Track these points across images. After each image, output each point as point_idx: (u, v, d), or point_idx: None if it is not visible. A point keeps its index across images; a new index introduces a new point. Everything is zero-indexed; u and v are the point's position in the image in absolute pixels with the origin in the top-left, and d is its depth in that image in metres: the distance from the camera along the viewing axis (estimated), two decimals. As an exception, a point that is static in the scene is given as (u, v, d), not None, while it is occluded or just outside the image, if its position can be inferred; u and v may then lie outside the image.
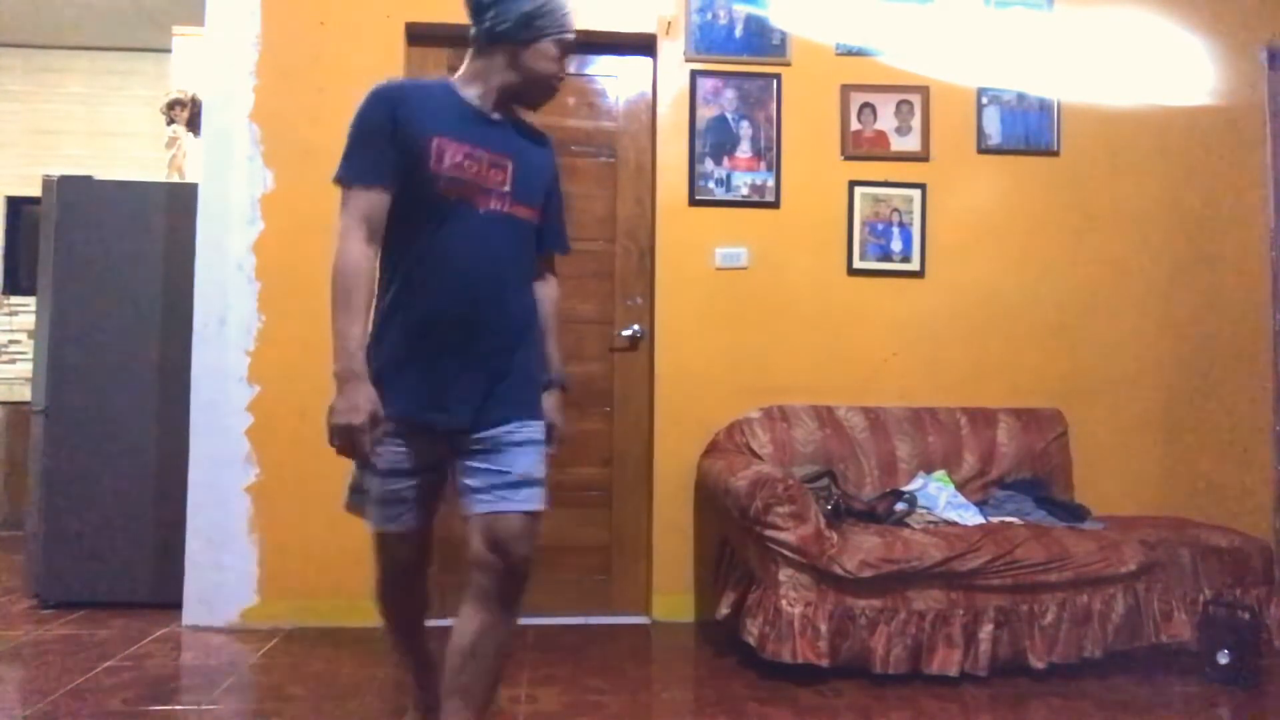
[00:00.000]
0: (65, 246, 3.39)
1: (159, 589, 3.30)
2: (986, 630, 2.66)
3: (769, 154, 3.44)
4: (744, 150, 3.43)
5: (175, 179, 4.00)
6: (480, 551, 1.70)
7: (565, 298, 2.08)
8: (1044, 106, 3.56)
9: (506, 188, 1.76)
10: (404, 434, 1.72)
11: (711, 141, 3.42)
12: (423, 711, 2.01)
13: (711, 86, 3.43)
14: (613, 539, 3.44)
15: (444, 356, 1.72)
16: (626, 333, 3.45)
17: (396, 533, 1.81)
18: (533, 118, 1.90)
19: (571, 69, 3.43)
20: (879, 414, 3.33)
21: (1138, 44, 3.62)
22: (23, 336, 5.34)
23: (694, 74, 3.42)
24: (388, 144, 1.68)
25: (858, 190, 3.46)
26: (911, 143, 3.50)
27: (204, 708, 2.40)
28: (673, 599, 3.34)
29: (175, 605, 3.17)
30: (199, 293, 3.22)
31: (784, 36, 3.46)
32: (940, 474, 3.20)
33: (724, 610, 2.95)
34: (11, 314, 5.42)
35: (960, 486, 3.18)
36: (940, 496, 3.05)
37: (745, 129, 3.43)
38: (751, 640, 2.66)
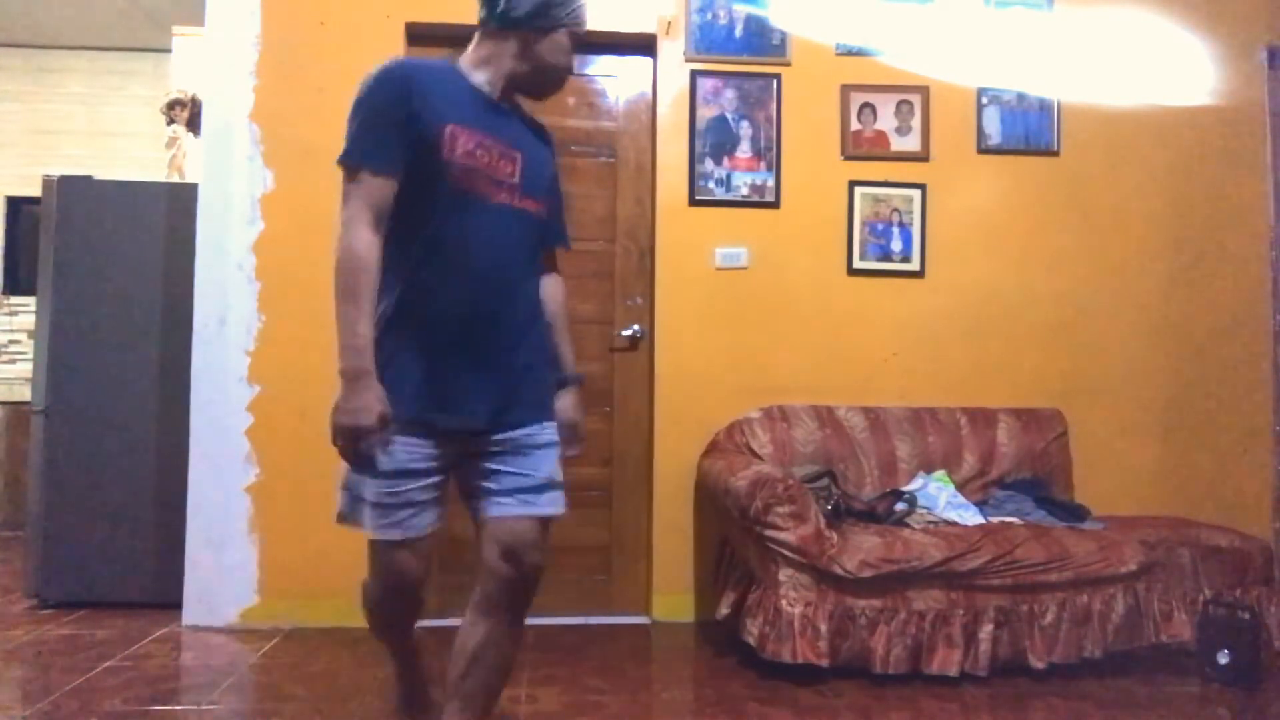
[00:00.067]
0: (65, 246, 3.38)
1: (159, 589, 3.30)
2: (986, 630, 2.66)
3: (769, 154, 3.44)
4: (744, 150, 3.43)
5: (175, 179, 4.00)
6: (494, 559, 1.66)
7: (565, 297, 2.05)
8: (1044, 106, 3.56)
9: (515, 180, 1.70)
10: (415, 433, 1.62)
11: (711, 141, 3.42)
12: (407, 710, 1.97)
13: (711, 86, 3.43)
14: (613, 539, 3.44)
15: (455, 355, 1.64)
16: (626, 333, 3.45)
17: (403, 540, 1.66)
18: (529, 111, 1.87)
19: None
20: (879, 414, 3.33)
21: (1138, 44, 3.62)
22: (23, 336, 5.34)
23: (694, 74, 3.42)
24: (399, 128, 1.58)
25: (858, 190, 3.47)
26: (911, 143, 3.50)
27: (204, 708, 2.40)
28: (673, 599, 3.34)
29: (175, 605, 3.17)
30: (199, 293, 3.23)
31: (784, 36, 3.46)
32: (940, 474, 3.20)
33: (724, 610, 2.95)
34: (11, 314, 5.42)
35: (960, 486, 3.18)
36: (940, 496, 3.05)
37: (745, 129, 3.43)
38: (751, 640, 2.66)
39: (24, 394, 4.65)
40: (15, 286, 5.39)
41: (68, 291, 3.38)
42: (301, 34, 3.28)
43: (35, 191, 3.69)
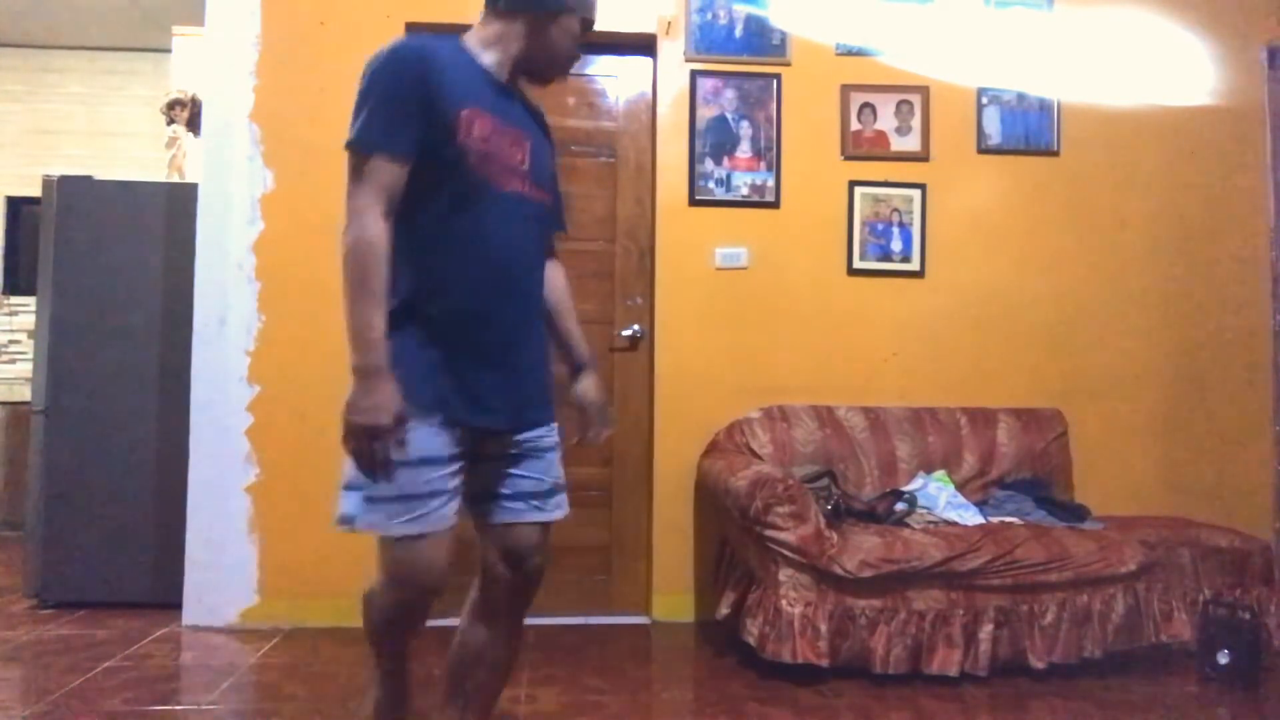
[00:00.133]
0: (65, 246, 3.39)
1: (159, 589, 3.30)
2: (986, 630, 2.66)
3: (769, 154, 3.44)
4: (744, 150, 3.43)
5: (175, 179, 4.00)
6: (498, 564, 1.64)
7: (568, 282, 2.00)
8: (1044, 106, 3.56)
9: (525, 167, 1.63)
10: (434, 421, 1.51)
11: (711, 141, 3.42)
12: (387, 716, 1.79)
13: (711, 86, 3.43)
14: (613, 539, 3.44)
15: (472, 350, 1.56)
16: (626, 333, 3.45)
17: (431, 534, 1.50)
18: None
19: (571, 69, 3.43)
20: (879, 414, 3.33)
21: (1138, 44, 3.62)
22: (23, 336, 5.35)
23: (694, 74, 3.42)
24: (415, 111, 1.48)
25: (858, 190, 3.47)
26: (911, 143, 3.50)
27: (204, 708, 2.40)
28: (673, 599, 3.34)
29: (175, 605, 3.17)
30: (199, 293, 3.22)
31: (784, 36, 3.46)
32: (940, 474, 3.20)
33: (724, 610, 2.95)
34: (11, 314, 5.42)
35: (960, 486, 3.18)
36: (940, 496, 3.05)
37: (745, 129, 3.43)
38: (751, 640, 2.66)
39: (24, 394, 4.65)
40: (15, 286, 5.40)
41: (68, 291, 3.38)
42: (301, 34, 3.28)
43: (35, 191, 3.69)
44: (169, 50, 4.30)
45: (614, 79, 3.52)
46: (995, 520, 2.96)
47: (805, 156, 3.45)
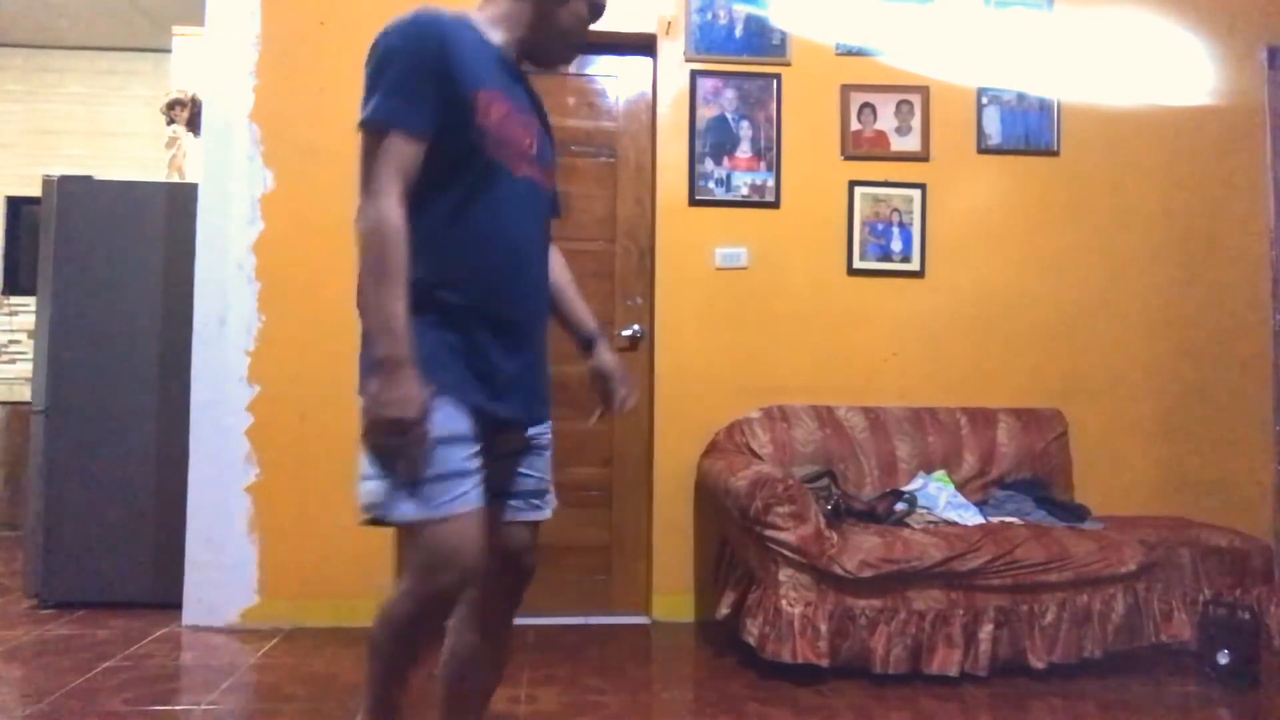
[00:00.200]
0: (65, 246, 3.39)
1: (159, 589, 3.30)
2: (986, 630, 2.66)
3: (769, 154, 3.44)
4: (744, 150, 3.43)
5: (175, 179, 4.00)
6: (493, 564, 1.57)
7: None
8: (1044, 106, 3.56)
9: (533, 152, 1.58)
10: (453, 403, 1.44)
11: (711, 141, 3.42)
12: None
13: (711, 86, 3.43)
14: (613, 539, 3.44)
15: (490, 342, 1.49)
16: (626, 333, 3.44)
17: (469, 514, 1.42)
18: None
19: (571, 69, 3.44)
20: (879, 414, 3.33)
21: (1138, 44, 3.62)
22: (23, 336, 5.34)
23: (694, 74, 3.42)
24: (434, 88, 1.41)
25: (858, 190, 3.47)
26: (911, 143, 3.50)
27: (204, 708, 2.40)
28: (673, 599, 3.34)
29: (175, 605, 3.17)
30: (199, 293, 3.22)
31: (784, 36, 3.46)
32: (940, 474, 3.20)
33: (724, 610, 2.95)
34: (11, 314, 5.42)
35: (960, 486, 3.18)
36: (940, 496, 3.05)
37: (745, 129, 3.43)
38: (751, 640, 2.66)
39: (24, 394, 4.65)
40: (15, 286, 5.39)
41: (68, 291, 3.38)
42: (301, 34, 3.28)
43: (35, 191, 3.69)
44: (169, 50, 4.30)
45: (614, 79, 3.52)
46: (995, 520, 2.96)
47: (805, 156, 3.45)
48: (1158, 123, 3.61)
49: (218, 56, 3.28)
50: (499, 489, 1.57)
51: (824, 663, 2.57)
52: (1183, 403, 3.57)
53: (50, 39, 5.37)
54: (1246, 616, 2.68)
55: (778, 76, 3.45)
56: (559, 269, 1.78)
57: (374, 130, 1.40)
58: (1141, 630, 2.77)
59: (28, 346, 5.22)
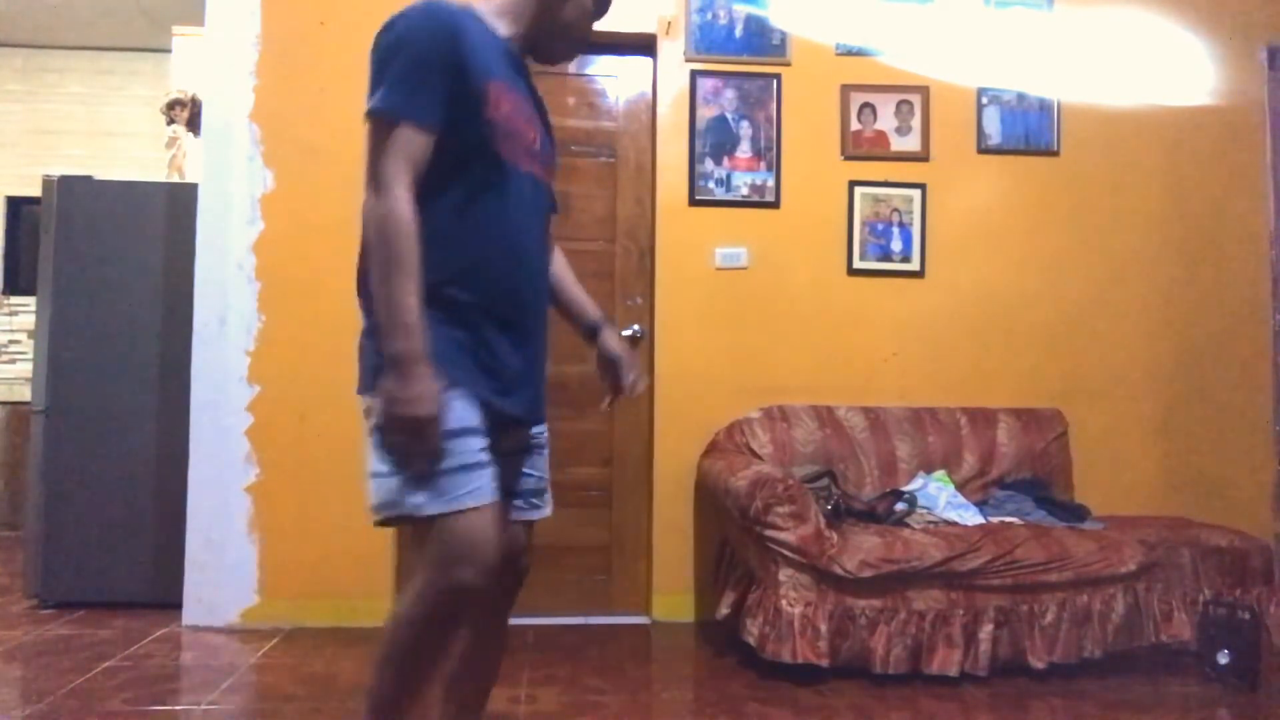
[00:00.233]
0: (65, 246, 3.39)
1: (159, 589, 3.30)
2: (986, 630, 2.66)
3: (769, 154, 3.44)
4: (744, 150, 3.43)
5: (175, 179, 4.00)
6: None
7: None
8: (1044, 106, 3.56)
9: (537, 147, 1.56)
10: (463, 396, 1.41)
11: (711, 141, 3.42)
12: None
13: (711, 86, 3.43)
14: (613, 539, 3.44)
15: (497, 339, 1.47)
16: (626, 333, 3.44)
17: (488, 506, 1.39)
18: None
19: (571, 69, 3.44)
20: (879, 414, 3.33)
21: (1138, 44, 3.62)
22: (23, 336, 5.34)
23: (694, 74, 3.42)
24: (445, 79, 1.38)
25: (858, 190, 3.46)
26: (911, 143, 3.50)
27: (204, 708, 2.40)
28: (673, 599, 3.34)
29: (175, 605, 3.17)
30: (199, 293, 3.22)
31: (784, 36, 3.46)
32: (940, 474, 3.20)
33: (724, 610, 2.95)
34: (11, 314, 5.42)
35: (960, 486, 3.18)
36: (940, 496, 3.05)
37: (745, 129, 3.43)
38: (751, 640, 2.66)
39: (24, 394, 4.65)
40: (15, 286, 5.39)
41: (68, 291, 3.38)
42: (301, 34, 3.28)
43: (35, 191, 3.69)
44: (169, 50, 4.30)
45: (614, 79, 3.52)
46: (995, 520, 2.96)
47: (805, 156, 3.45)
48: (1158, 123, 3.61)
49: (218, 56, 3.28)
50: (504, 488, 1.55)
51: (824, 663, 2.57)
52: (1183, 403, 3.57)
53: (50, 39, 5.37)
54: (1246, 616, 2.68)
55: (778, 76, 3.45)
56: (557, 261, 1.76)
57: (383, 121, 1.36)
58: (1141, 630, 2.77)
59: (28, 346, 5.22)
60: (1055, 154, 3.56)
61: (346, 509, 3.12)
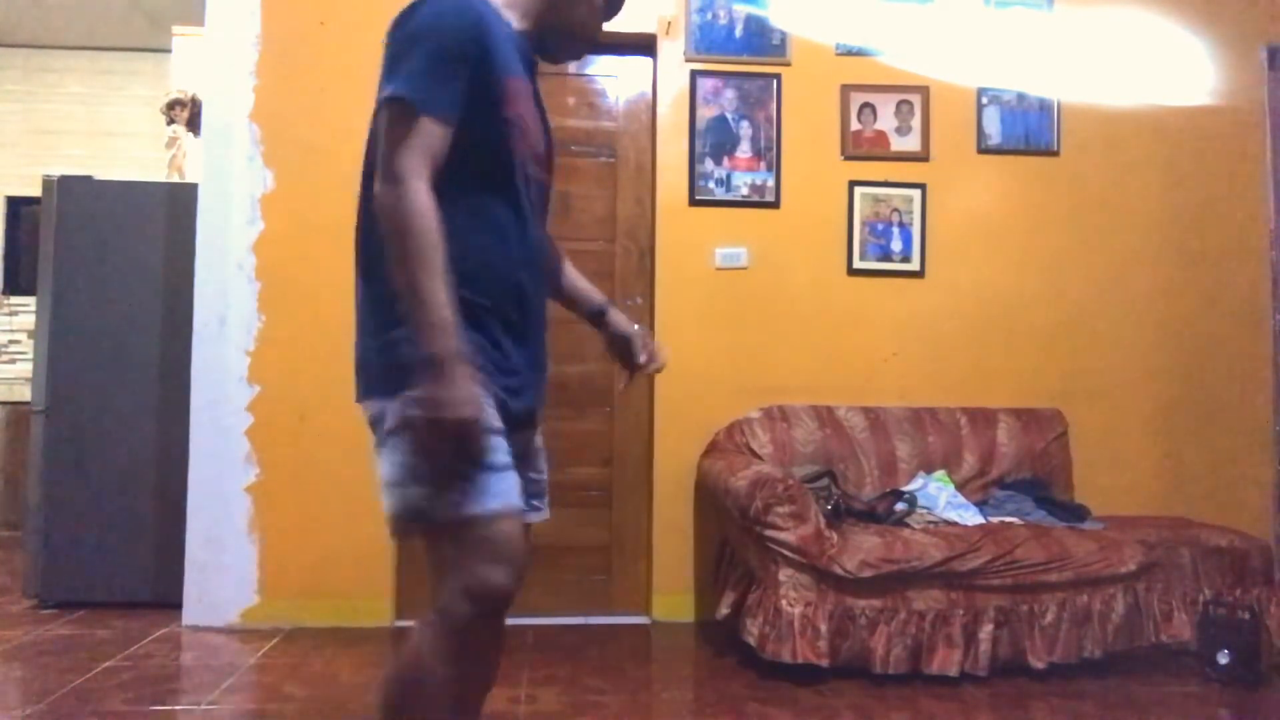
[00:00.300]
0: (65, 246, 3.39)
1: (159, 589, 3.30)
2: (986, 630, 2.66)
3: (769, 154, 3.44)
4: (744, 150, 3.43)
5: (175, 179, 4.00)
6: None
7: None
8: (1044, 106, 3.56)
9: (542, 148, 1.51)
10: (489, 396, 1.36)
11: (711, 141, 3.42)
12: None
13: (711, 86, 3.43)
14: (613, 539, 3.44)
15: (506, 340, 1.43)
16: (626, 332, 3.44)
17: (518, 509, 1.36)
18: None
19: (571, 69, 3.44)
20: (879, 414, 3.33)
21: (1138, 44, 3.62)
22: (23, 336, 5.34)
23: (694, 74, 3.42)
24: (468, 73, 1.32)
25: (858, 190, 3.46)
26: (911, 143, 3.50)
27: (204, 708, 2.40)
28: (673, 599, 3.33)
29: (175, 605, 3.17)
30: (199, 293, 3.22)
31: (784, 36, 3.46)
32: (940, 474, 3.20)
33: (724, 610, 2.95)
34: (11, 314, 5.42)
35: (960, 486, 3.18)
36: (940, 496, 3.05)
37: (745, 129, 3.43)
38: (751, 640, 2.66)
39: (24, 394, 4.65)
40: (15, 286, 5.39)
41: (68, 291, 3.38)
42: (301, 34, 3.28)
43: (35, 191, 3.69)
44: (169, 50, 4.30)
45: (614, 79, 3.52)
46: (995, 520, 2.96)
47: (805, 156, 3.45)
48: (1158, 123, 3.61)
49: (218, 56, 3.28)
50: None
51: (824, 663, 2.57)
52: (1183, 403, 3.57)
53: (50, 39, 5.37)
54: (1246, 616, 2.68)
55: (778, 76, 3.45)
56: (555, 254, 1.73)
57: (402, 111, 1.29)
58: (1141, 630, 2.77)
59: (28, 346, 5.22)
60: (1055, 154, 3.56)
61: (346, 509, 3.12)
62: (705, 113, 3.42)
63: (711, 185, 3.42)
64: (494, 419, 1.35)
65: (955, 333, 3.49)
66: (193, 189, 3.32)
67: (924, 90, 3.50)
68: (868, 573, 2.59)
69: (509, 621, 1.74)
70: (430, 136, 1.29)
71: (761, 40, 3.45)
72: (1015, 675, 2.68)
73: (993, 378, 3.49)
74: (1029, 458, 3.32)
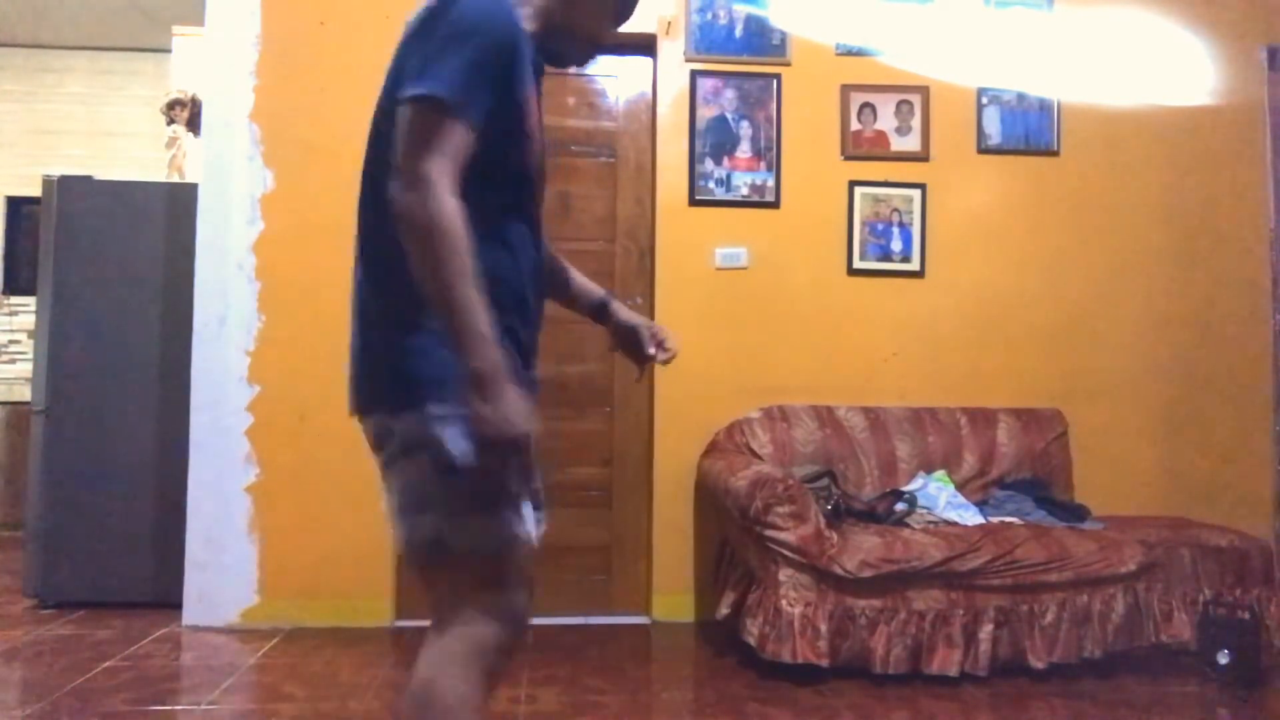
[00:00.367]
0: (65, 246, 3.39)
1: (159, 589, 3.30)
2: (986, 630, 2.66)
3: (769, 154, 3.44)
4: (744, 150, 3.43)
5: (175, 179, 4.00)
6: None
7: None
8: (1044, 106, 3.56)
9: (542, 159, 1.48)
10: None
11: (711, 141, 3.42)
12: None
13: (711, 86, 3.43)
14: (613, 539, 3.44)
15: (513, 353, 1.35)
16: (626, 333, 3.44)
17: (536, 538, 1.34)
18: None
19: (571, 69, 3.43)
20: (879, 414, 3.33)
21: (1138, 44, 3.62)
22: (23, 336, 5.34)
23: (694, 74, 3.42)
24: (497, 81, 1.26)
25: (858, 190, 3.46)
26: (911, 143, 3.50)
27: (204, 708, 2.40)
28: (673, 599, 3.33)
29: (175, 605, 3.17)
30: (199, 293, 3.22)
31: (784, 36, 3.46)
32: (940, 474, 3.20)
33: (724, 610, 2.95)
34: (11, 314, 5.42)
35: (960, 486, 3.18)
36: (940, 496, 3.05)
37: (745, 129, 3.43)
38: (751, 640, 2.66)
39: (24, 394, 4.64)
40: (15, 286, 5.39)
41: (68, 291, 3.38)
42: (301, 34, 3.28)
43: (35, 191, 3.69)
44: (169, 50, 4.30)
45: (614, 79, 3.52)
46: (995, 520, 2.96)
47: (805, 156, 3.45)
48: (1158, 123, 3.61)
49: (218, 56, 3.28)
50: None
51: (824, 663, 2.57)
52: (1183, 403, 3.57)
53: (50, 39, 5.37)
54: (1246, 616, 2.68)
55: (778, 76, 3.45)
56: (550, 255, 1.66)
57: (434, 110, 1.21)
58: (1141, 630, 2.77)
59: (28, 346, 5.22)
60: (1055, 154, 3.56)
61: (346, 509, 3.12)
62: (705, 113, 3.42)
63: (711, 185, 3.42)
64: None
65: (955, 333, 3.49)
66: (193, 189, 3.32)
67: (924, 90, 3.50)
68: (868, 573, 2.59)
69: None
70: (459, 142, 1.22)
71: (761, 40, 3.45)
72: (1015, 675, 2.68)
73: (993, 378, 3.49)
74: (1029, 458, 3.32)
